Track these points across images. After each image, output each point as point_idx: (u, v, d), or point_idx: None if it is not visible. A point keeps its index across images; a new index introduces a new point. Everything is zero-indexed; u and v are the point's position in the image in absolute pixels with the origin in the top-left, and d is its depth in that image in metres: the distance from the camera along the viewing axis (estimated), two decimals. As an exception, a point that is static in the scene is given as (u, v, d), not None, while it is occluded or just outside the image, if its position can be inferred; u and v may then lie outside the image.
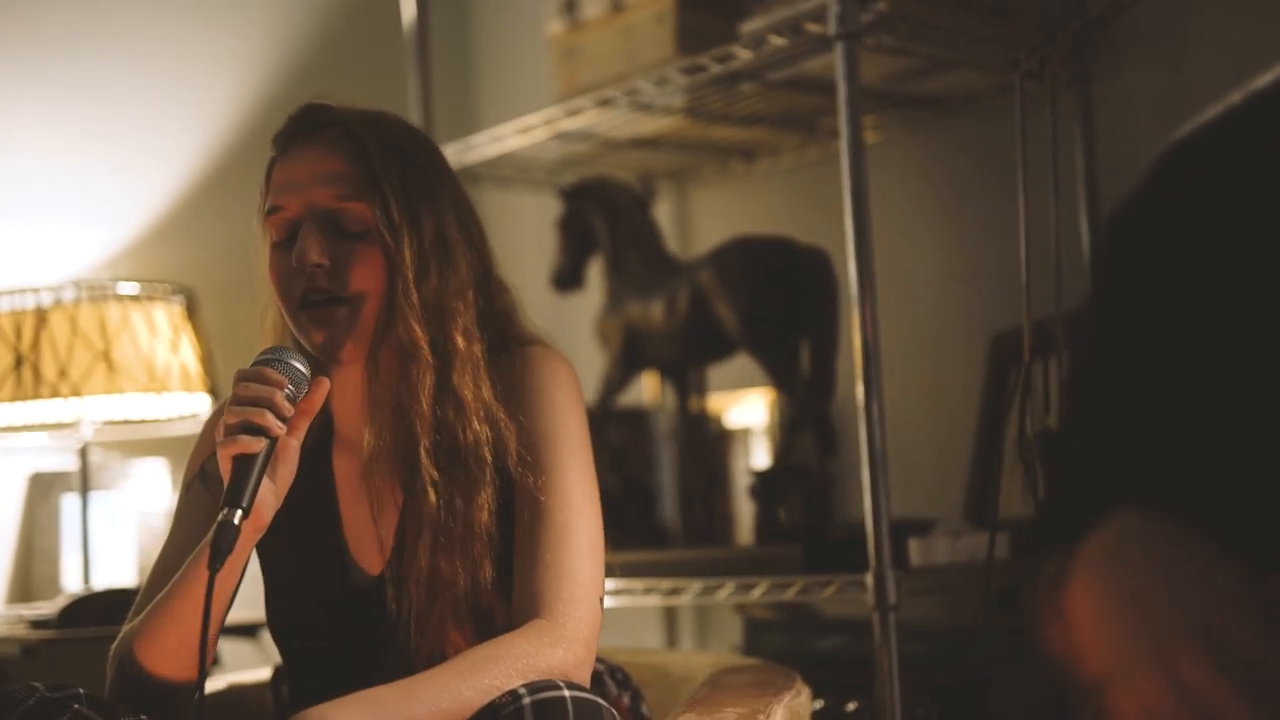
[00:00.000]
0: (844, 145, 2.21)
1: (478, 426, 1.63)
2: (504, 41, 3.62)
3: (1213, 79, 2.40)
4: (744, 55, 2.42)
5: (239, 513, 1.48)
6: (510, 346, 1.73)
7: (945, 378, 2.79)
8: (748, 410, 3.01)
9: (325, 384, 1.59)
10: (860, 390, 2.18)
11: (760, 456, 2.96)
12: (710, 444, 2.95)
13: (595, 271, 2.87)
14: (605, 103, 2.63)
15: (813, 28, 2.28)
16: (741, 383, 2.95)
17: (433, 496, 1.61)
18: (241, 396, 1.53)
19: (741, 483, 2.89)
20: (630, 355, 2.71)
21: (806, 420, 2.48)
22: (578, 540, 1.62)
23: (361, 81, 3.29)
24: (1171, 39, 2.46)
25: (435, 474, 1.62)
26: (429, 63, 3.01)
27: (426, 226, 1.65)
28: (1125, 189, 2.34)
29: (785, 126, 2.88)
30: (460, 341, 1.65)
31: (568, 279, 2.84)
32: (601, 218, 2.77)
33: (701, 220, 3.21)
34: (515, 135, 2.79)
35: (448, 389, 1.64)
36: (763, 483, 2.55)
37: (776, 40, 2.35)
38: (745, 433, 3.01)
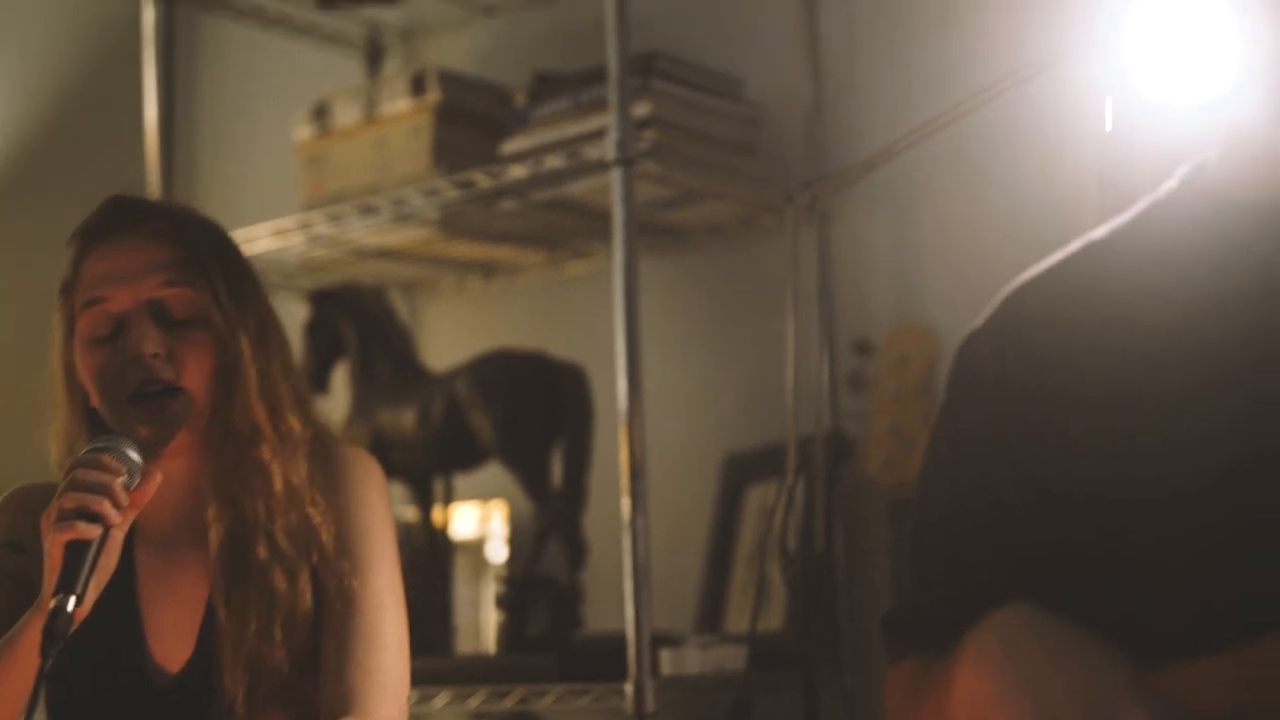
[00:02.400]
0: (617, 267, 2.30)
1: (304, 512, 1.65)
2: (241, 142, 3.59)
3: (934, 227, 2.62)
4: (516, 173, 2.50)
5: (73, 599, 1.44)
6: (324, 440, 1.75)
7: (677, 495, 2.89)
8: (490, 520, 3.04)
9: (158, 477, 1.57)
10: (626, 504, 2.26)
11: (504, 566, 3.00)
12: (453, 553, 2.96)
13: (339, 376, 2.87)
14: (368, 211, 2.66)
15: (591, 152, 2.38)
16: (486, 493, 2.99)
17: (259, 581, 1.60)
18: (79, 481, 1.49)
19: (486, 592, 2.92)
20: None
21: (556, 530, 2.54)
22: (387, 638, 1.66)
23: (99, 174, 3.20)
24: (900, 189, 2.66)
25: (264, 557, 1.61)
26: (172, 159, 2.97)
27: (253, 311, 1.68)
28: (859, 321, 2.51)
29: (531, 244, 2.96)
30: (293, 426, 1.68)
31: (312, 384, 2.83)
32: (351, 324, 2.78)
33: (433, 332, 3.25)
34: (268, 237, 2.78)
35: (275, 474, 1.64)
36: (510, 592, 2.59)
37: (553, 161, 2.44)
38: (486, 542, 3.04)
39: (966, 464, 1.26)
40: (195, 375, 1.62)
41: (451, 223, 2.79)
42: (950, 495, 1.27)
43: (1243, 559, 1.11)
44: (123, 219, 1.69)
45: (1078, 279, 1.24)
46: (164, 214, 1.70)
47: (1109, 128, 1.68)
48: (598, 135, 2.39)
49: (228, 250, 1.71)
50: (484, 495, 3.01)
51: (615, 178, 2.31)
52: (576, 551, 2.54)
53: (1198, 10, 1.27)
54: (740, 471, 2.78)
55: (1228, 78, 1.21)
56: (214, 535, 1.64)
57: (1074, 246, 1.29)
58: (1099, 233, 1.28)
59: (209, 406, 1.64)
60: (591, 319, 2.68)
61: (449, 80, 2.79)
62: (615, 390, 2.31)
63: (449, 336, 3.17)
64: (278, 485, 1.64)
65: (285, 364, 1.72)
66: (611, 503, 2.33)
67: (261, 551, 1.62)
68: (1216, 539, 1.12)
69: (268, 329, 1.70)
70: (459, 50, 3.17)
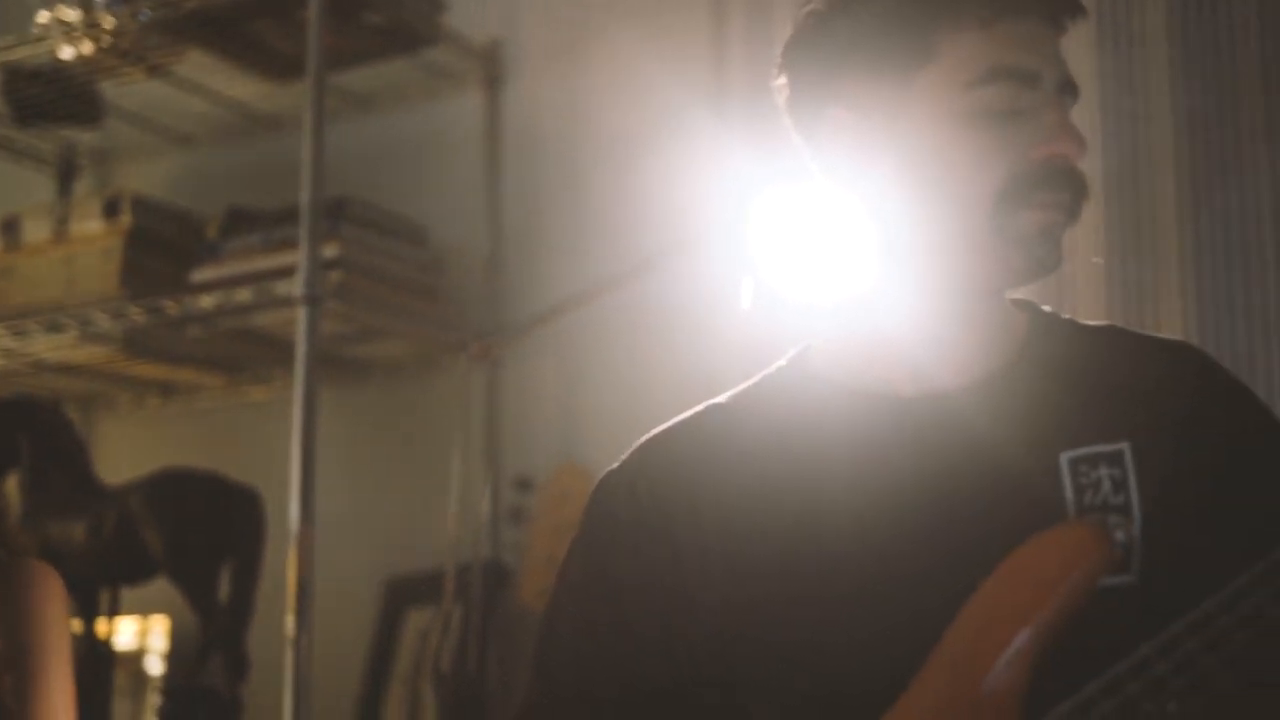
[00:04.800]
0: (297, 398, 2.43)
1: None
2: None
3: (597, 376, 2.84)
4: (205, 302, 2.62)
5: None
6: (3, 552, 1.80)
7: (340, 615, 3.00)
8: (150, 634, 3.08)
9: None
10: (290, 622, 2.38)
11: (163, 679, 3.04)
12: (114, 665, 2.99)
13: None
14: (54, 327, 2.73)
15: (280, 289, 2.52)
16: (148, 607, 3.03)
17: None
18: None
19: (144, 705, 2.96)
20: (44, 573, 2.76)
21: (219, 645, 2.63)
22: (57, 754, 1.70)
23: None
24: (567, 340, 2.88)
25: None
26: None
27: None
28: (523, 459, 2.70)
29: (211, 368, 3.06)
30: None
31: (-18, 492, 2.85)
32: (27, 436, 2.82)
33: (108, 448, 3.29)
34: (-51, 346, 2.81)
35: None
36: (170, 703, 2.66)
37: (242, 295, 2.57)
38: (145, 656, 3.08)
39: (594, 592, 1.36)
40: None
41: (135, 343, 2.87)
42: (576, 622, 1.37)
43: None
44: None
45: (701, 437, 1.38)
46: None
47: (746, 306, 1.89)
48: (286, 272, 2.53)
49: None
50: (145, 609, 3.06)
51: (301, 314, 2.44)
52: (238, 665, 2.63)
53: (814, 214, 1.44)
54: (401, 595, 2.92)
55: (838, 276, 1.41)
56: None
57: (701, 407, 1.43)
58: (721, 397, 1.43)
59: None
60: (268, 443, 2.78)
61: (142, 205, 2.89)
62: (286, 512, 2.42)
63: (125, 453, 3.21)
64: None
65: None
66: (277, 619, 2.43)
67: None
68: (820, 705, 1.23)
69: None
70: (153, 176, 3.26)
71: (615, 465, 1.42)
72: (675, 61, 2.79)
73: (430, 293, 2.88)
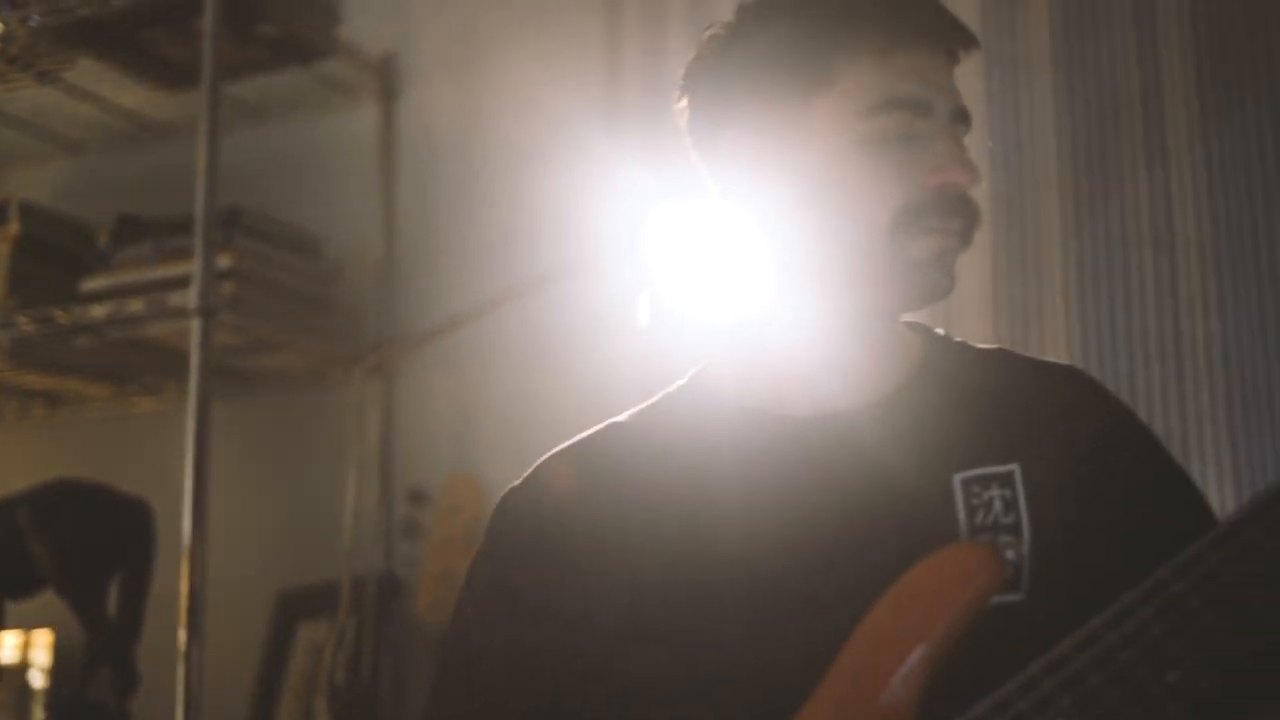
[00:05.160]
0: (190, 410, 2.41)
1: None
2: None
3: (491, 389, 2.85)
4: (96, 312, 2.59)
5: None
6: None
7: (231, 628, 2.98)
8: (34, 648, 3.04)
9: None
10: (182, 635, 2.36)
11: (48, 693, 3.00)
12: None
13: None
14: (-60, 336, 2.69)
15: (173, 300, 2.50)
16: (31, 621, 2.99)
17: None
18: None
19: (34, 718, 2.91)
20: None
21: (106, 658, 2.60)
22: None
23: None
24: (462, 353, 2.89)
25: None
26: None
27: None
28: (417, 471, 2.70)
29: (100, 379, 3.03)
30: None
31: None
32: (-91, 446, 2.78)
33: (-10, 458, 3.24)
34: None
35: None
36: (56, 717, 2.63)
37: (134, 305, 2.55)
38: (29, 670, 3.04)
39: (497, 607, 1.38)
40: None
41: (22, 353, 2.83)
42: (478, 637, 1.38)
43: None
44: None
45: (601, 456, 1.40)
46: None
47: (643, 322, 1.91)
48: (179, 282, 2.51)
49: None
50: (29, 623, 3.01)
51: (194, 326, 2.43)
52: (127, 680, 2.60)
53: (711, 232, 1.45)
54: (293, 608, 2.91)
55: (735, 294, 1.44)
56: None
57: (601, 425, 1.44)
58: (622, 416, 1.45)
59: None
60: (157, 454, 2.76)
61: (30, 212, 2.86)
62: (177, 524, 2.40)
63: (10, 464, 3.17)
64: None
65: None
66: (167, 632, 2.42)
67: None
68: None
69: None
70: (42, 184, 3.23)
71: (517, 482, 1.43)
72: (570, 76, 2.82)
73: (324, 304, 2.88)
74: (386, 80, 2.97)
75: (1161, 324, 2.35)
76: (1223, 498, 2.20)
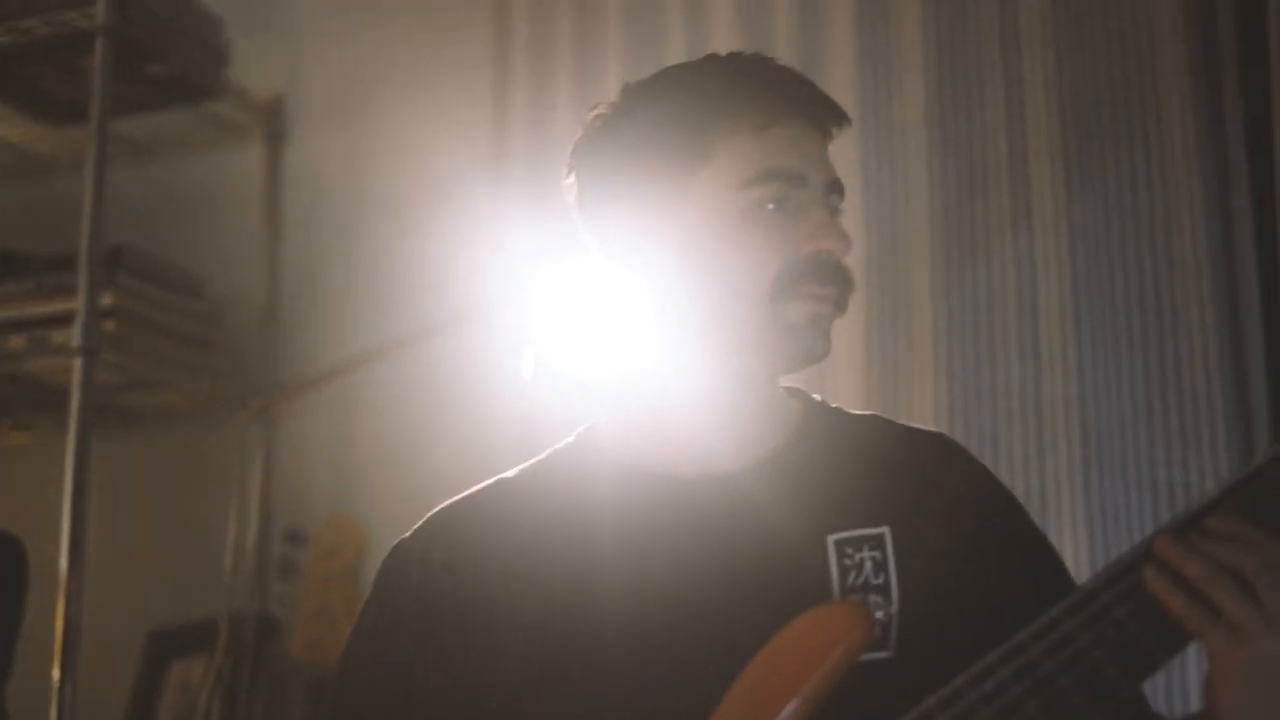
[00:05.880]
0: (70, 448, 2.41)
1: None
2: None
3: (371, 435, 2.88)
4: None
5: None
6: None
7: (103, 666, 2.96)
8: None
9: None
10: (56, 673, 2.35)
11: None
12: None
13: None
14: None
15: (55, 338, 2.50)
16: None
17: None
18: None
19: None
20: None
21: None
22: None
23: None
24: (344, 398, 2.91)
25: None
26: None
27: None
28: (295, 512, 2.70)
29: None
30: None
31: None
32: None
33: None
34: None
35: None
36: (-79, 758, 2.59)
37: (15, 342, 2.54)
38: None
39: (386, 655, 1.41)
40: None
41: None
42: (367, 685, 1.42)
43: None
44: None
45: (489, 511, 1.45)
46: None
47: (528, 378, 1.95)
48: (59, 319, 2.51)
49: None
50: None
51: (76, 365, 2.42)
52: (-1, 720, 2.58)
53: (596, 291, 1.49)
54: (165, 646, 2.91)
55: (619, 353, 1.49)
56: None
57: (490, 480, 1.49)
58: (510, 472, 1.50)
59: None
60: (28, 489, 2.74)
61: (-92, 244, 2.83)
62: (49, 561, 2.38)
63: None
64: None
65: None
66: (38, 669, 2.40)
67: None
68: None
69: None
70: (-80, 215, 3.19)
71: (407, 535, 1.47)
72: (458, 130, 2.86)
73: (206, 344, 2.89)
74: (274, 123, 3.00)
75: (1024, 384, 2.44)
76: (1078, 558, 2.29)
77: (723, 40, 2.66)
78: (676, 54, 2.70)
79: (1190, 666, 2.21)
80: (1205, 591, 1.17)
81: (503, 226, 2.59)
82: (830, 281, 1.37)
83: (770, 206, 1.35)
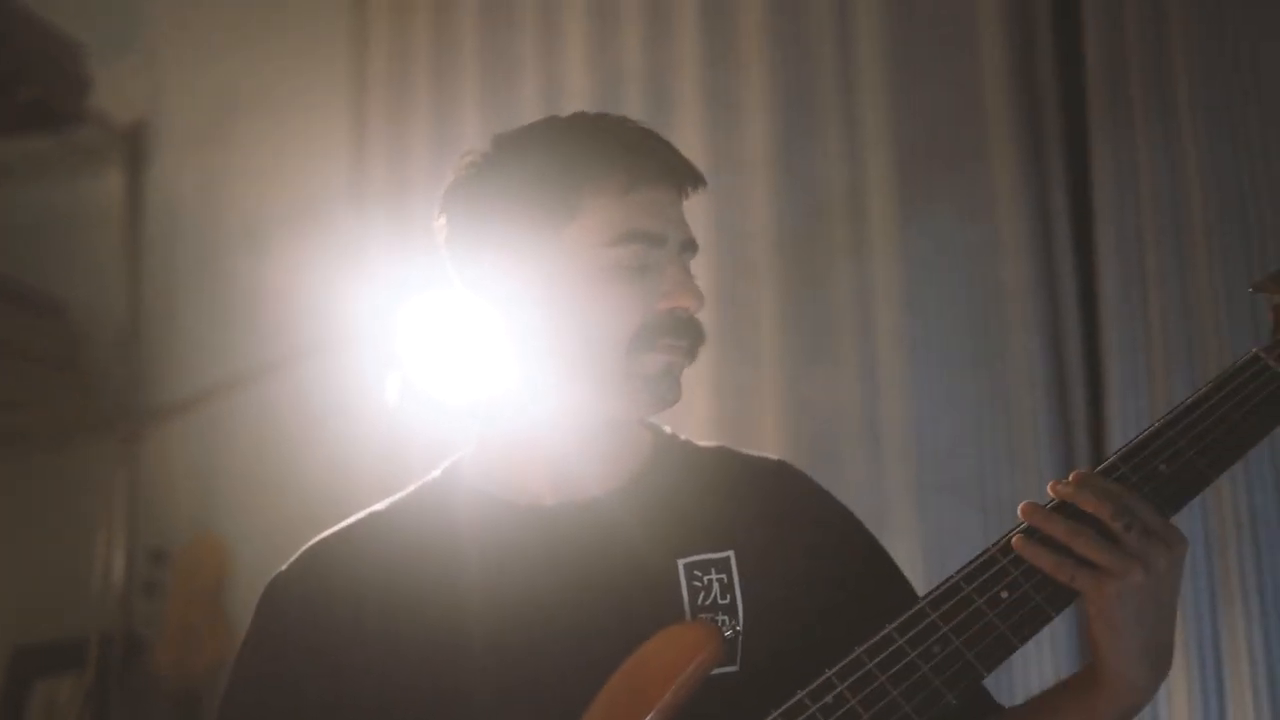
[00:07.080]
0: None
1: None
2: None
3: (237, 458, 2.92)
4: None
5: None
6: None
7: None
8: None
9: None
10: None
11: None
12: None
13: None
14: None
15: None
16: None
17: None
18: None
19: None
20: None
21: None
22: None
23: None
24: (210, 423, 2.94)
25: None
26: None
27: None
28: (159, 533, 2.75)
29: None
30: None
31: None
32: None
33: None
34: None
35: None
36: None
37: None
38: None
39: (265, 683, 1.48)
40: None
41: None
42: (252, 706, 1.48)
43: None
44: None
45: (361, 542, 1.52)
46: None
47: (392, 403, 2.02)
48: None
49: None
50: None
51: (-63, 387, 2.46)
52: None
53: (461, 320, 1.54)
54: (29, 665, 2.93)
55: (485, 386, 1.55)
56: None
57: (363, 514, 1.56)
58: (381, 505, 1.56)
59: None
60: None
61: None
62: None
63: None
64: None
65: None
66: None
67: None
68: None
69: None
70: None
71: (284, 567, 1.53)
72: (316, 155, 2.92)
73: (68, 366, 2.91)
74: (135, 148, 3.03)
75: (863, 405, 2.57)
76: (914, 574, 2.40)
77: (576, 78, 2.76)
78: (531, 90, 2.79)
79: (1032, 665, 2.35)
80: (1069, 545, 1.29)
81: (364, 254, 2.65)
82: (684, 335, 1.46)
83: (632, 265, 1.44)
